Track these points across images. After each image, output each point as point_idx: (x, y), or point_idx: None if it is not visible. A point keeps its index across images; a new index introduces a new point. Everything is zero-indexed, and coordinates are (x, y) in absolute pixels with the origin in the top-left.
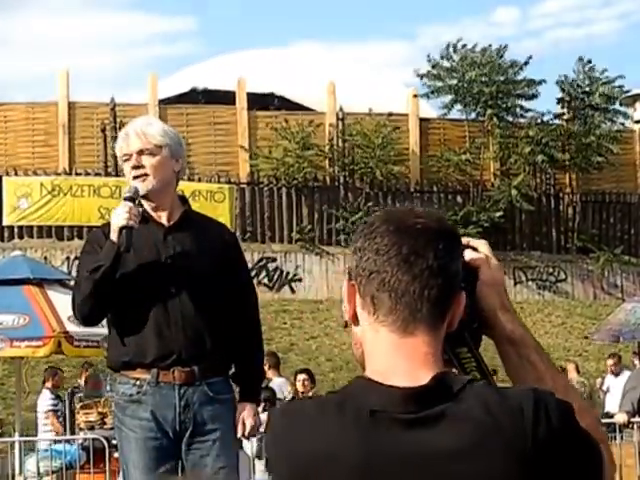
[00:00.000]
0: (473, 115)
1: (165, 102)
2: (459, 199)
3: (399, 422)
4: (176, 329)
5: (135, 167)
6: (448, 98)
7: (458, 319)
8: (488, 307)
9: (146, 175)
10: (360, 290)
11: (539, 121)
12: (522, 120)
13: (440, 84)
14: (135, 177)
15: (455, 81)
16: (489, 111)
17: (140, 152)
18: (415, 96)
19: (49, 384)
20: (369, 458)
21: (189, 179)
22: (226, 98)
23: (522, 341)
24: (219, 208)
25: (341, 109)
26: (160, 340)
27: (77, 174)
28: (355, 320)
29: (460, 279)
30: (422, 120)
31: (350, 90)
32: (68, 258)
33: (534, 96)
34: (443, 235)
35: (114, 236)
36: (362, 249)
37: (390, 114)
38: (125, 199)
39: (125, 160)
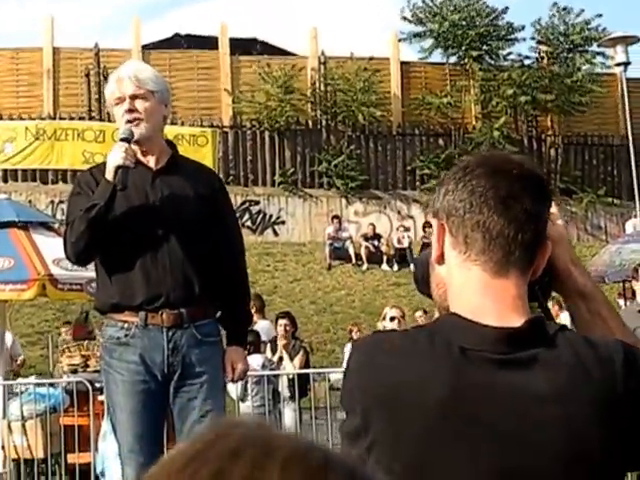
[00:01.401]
0: (454, 59)
1: (148, 47)
2: (441, 142)
3: (491, 361)
4: (164, 272)
5: (129, 110)
6: (429, 42)
7: (542, 268)
8: (559, 261)
9: (139, 119)
10: (452, 230)
11: (521, 64)
12: (504, 63)
13: (422, 28)
14: (128, 121)
15: (437, 25)
16: (471, 53)
17: (133, 97)
18: (399, 41)
19: None
20: (457, 392)
21: (172, 123)
22: (209, 43)
23: (593, 295)
24: (202, 152)
25: (323, 53)
26: (148, 283)
27: (61, 118)
28: (440, 260)
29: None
30: (403, 64)
31: (332, 34)
32: (52, 202)
33: (515, 40)
34: (538, 183)
35: (110, 175)
36: (455, 190)
37: (371, 58)
38: (121, 140)
39: (117, 103)
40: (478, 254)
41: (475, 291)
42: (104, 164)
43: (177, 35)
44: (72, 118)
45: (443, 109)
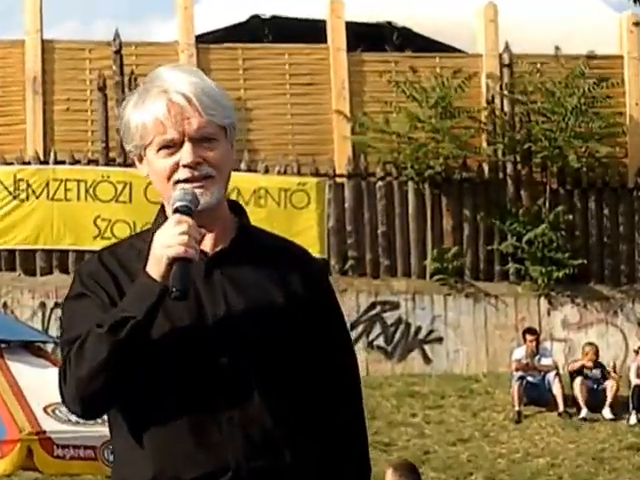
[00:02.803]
0: None
1: (206, 38)
2: None
3: None
4: (230, 429)
5: (195, 165)
6: None
7: None
8: None
9: (210, 179)
10: None
11: None
12: None
13: None
14: (188, 180)
15: None
16: None
17: (197, 139)
18: (636, 24)
19: None
20: None
21: (248, 169)
22: (309, 32)
23: None
24: (299, 218)
25: (507, 48)
26: (203, 447)
27: (57, 162)
28: None
29: None
30: None
31: (519, 17)
32: (43, 305)
33: None
34: None
35: (157, 271)
36: None
37: (591, 56)
38: (178, 211)
39: (163, 147)
40: None
41: None
42: (131, 242)
43: (256, 18)
44: (76, 162)
45: None
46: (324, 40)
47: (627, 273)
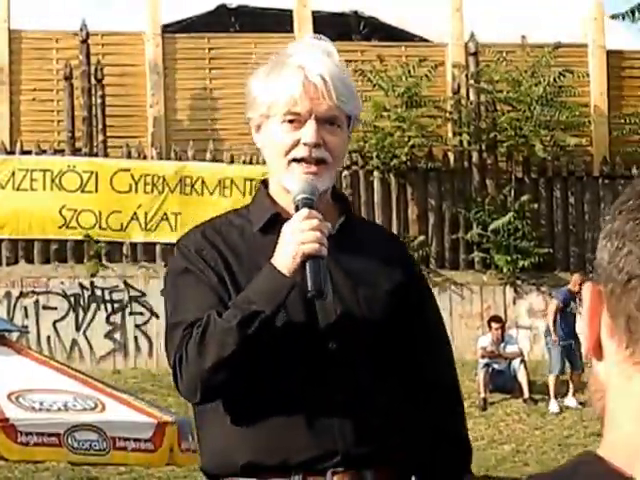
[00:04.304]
0: None
1: (172, 28)
2: None
3: None
4: (339, 414)
5: (312, 144)
6: None
7: None
8: None
9: (324, 164)
10: (610, 304)
11: None
12: None
13: None
14: (304, 160)
15: None
16: None
17: (323, 120)
18: (612, 18)
19: None
20: None
21: (214, 160)
22: (276, 21)
23: None
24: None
25: (473, 37)
26: (313, 431)
27: (24, 153)
28: (597, 351)
29: None
30: (611, 54)
31: (484, 7)
32: (9, 294)
33: None
34: None
35: (288, 265)
36: (620, 235)
37: (557, 46)
38: (304, 203)
39: (289, 120)
40: None
41: (636, 418)
42: (229, 219)
43: (223, 7)
44: (43, 152)
45: None
46: (291, 30)
47: (592, 261)
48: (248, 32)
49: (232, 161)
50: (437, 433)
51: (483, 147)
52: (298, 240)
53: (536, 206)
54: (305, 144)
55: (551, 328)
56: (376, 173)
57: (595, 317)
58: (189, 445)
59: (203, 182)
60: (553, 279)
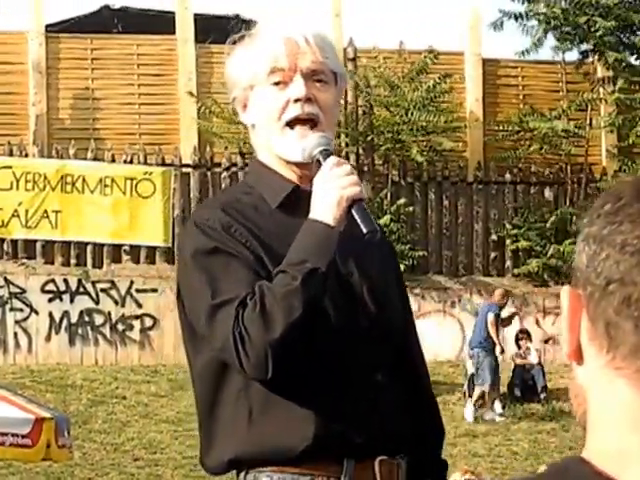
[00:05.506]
0: (574, 56)
1: (56, 28)
2: (548, 195)
3: None
4: (377, 398)
5: (303, 99)
6: (536, 28)
7: None
8: None
9: (317, 124)
10: (589, 308)
11: None
12: None
13: (524, 6)
14: (299, 119)
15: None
16: (603, 49)
17: (311, 73)
18: (494, 28)
19: None
20: None
21: (94, 158)
22: (158, 23)
23: None
24: (145, 207)
25: (351, 42)
26: (374, 412)
27: None
28: (578, 355)
29: None
30: (487, 62)
31: (365, 14)
32: None
33: None
34: None
35: (335, 214)
36: (598, 239)
37: (432, 51)
38: (326, 154)
39: (276, 83)
40: (627, 356)
41: (619, 422)
42: (236, 196)
43: (106, 8)
44: None
45: (554, 140)
46: (173, 31)
47: (465, 265)
48: (131, 33)
49: (113, 160)
50: (424, 421)
51: (360, 150)
52: (338, 186)
53: (411, 209)
54: (296, 100)
55: (495, 340)
56: None
57: (575, 321)
58: (65, 441)
59: (84, 180)
60: (427, 282)
